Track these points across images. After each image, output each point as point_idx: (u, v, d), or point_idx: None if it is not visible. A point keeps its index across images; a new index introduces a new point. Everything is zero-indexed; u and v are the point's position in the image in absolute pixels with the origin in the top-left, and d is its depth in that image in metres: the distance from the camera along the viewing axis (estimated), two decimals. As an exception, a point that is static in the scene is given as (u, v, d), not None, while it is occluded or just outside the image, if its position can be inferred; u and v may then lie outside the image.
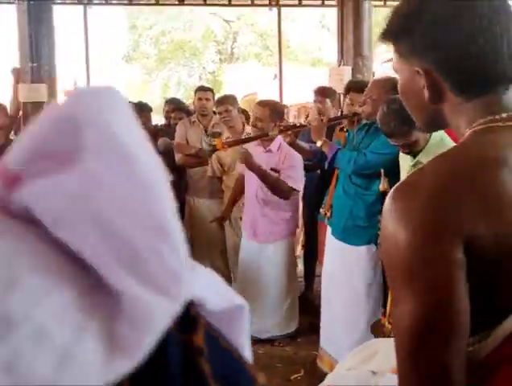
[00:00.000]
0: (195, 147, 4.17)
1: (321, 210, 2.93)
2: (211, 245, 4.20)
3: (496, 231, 0.68)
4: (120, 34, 18.90)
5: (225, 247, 4.12)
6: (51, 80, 4.38)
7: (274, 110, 3.28)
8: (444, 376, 0.67)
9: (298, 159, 3.23)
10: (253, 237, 3.45)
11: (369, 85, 2.68)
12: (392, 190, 0.73)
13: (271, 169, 3.27)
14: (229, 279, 4.29)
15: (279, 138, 3.28)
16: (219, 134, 4.20)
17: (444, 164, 0.74)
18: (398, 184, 0.74)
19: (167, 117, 4.91)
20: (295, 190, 3.28)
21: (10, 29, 4.64)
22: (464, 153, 0.76)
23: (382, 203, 0.76)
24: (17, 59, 4.31)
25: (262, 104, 3.39)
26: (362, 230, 2.67)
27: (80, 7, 6.75)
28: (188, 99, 8.49)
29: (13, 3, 4.46)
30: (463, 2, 0.75)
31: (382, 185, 2.47)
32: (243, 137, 3.18)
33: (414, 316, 0.68)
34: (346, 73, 5.40)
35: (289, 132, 2.83)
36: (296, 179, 3.25)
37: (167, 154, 4.30)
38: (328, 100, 4.06)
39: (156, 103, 11.56)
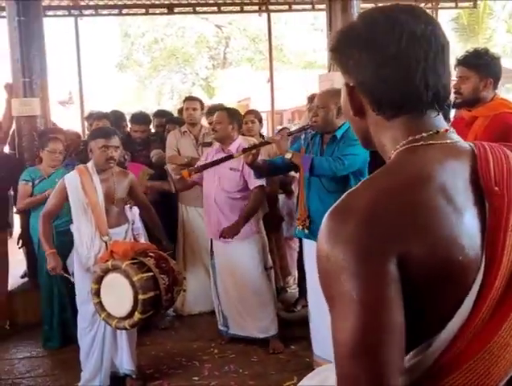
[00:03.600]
0: (187, 157, 4.22)
1: (297, 222, 3.01)
2: (202, 249, 4.25)
3: (427, 245, 0.72)
4: (113, 43, 18.93)
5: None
6: (44, 93, 4.41)
7: (230, 113, 3.59)
8: None
9: None
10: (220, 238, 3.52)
11: (316, 98, 2.80)
12: (328, 212, 0.76)
13: (231, 168, 3.45)
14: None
15: (237, 141, 3.56)
16: (210, 144, 4.25)
17: (374, 186, 0.77)
18: (333, 207, 0.76)
19: (158, 132, 4.90)
20: (262, 186, 3.44)
21: (2, 45, 4.69)
22: (391, 174, 0.79)
23: None
24: (9, 75, 4.34)
25: (220, 109, 3.74)
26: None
27: (71, 19, 6.82)
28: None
29: (4, 17, 4.51)
30: (383, 29, 0.80)
31: None
32: (208, 162, 3.32)
33: (351, 333, 0.70)
34: (336, 78, 5.39)
35: (253, 151, 2.91)
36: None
37: (160, 165, 4.37)
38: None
39: (150, 110, 11.60)
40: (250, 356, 3.50)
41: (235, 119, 3.59)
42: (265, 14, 7.19)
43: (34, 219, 3.84)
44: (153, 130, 4.99)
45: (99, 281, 2.83)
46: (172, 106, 15.78)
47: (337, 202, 0.77)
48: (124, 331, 3.04)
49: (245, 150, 2.97)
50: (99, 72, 17.08)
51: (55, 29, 10.59)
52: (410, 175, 0.77)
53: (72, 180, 3.08)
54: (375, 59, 0.81)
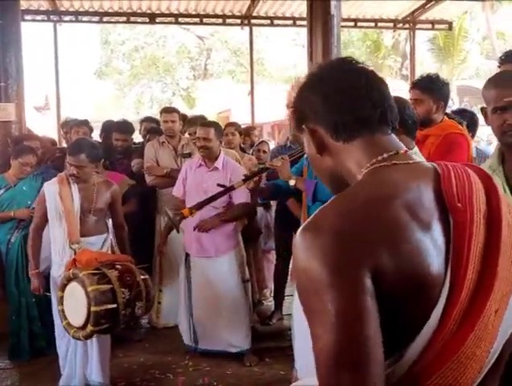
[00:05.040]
0: (166, 168, 4.18)
1: None
2: (179, 261, 4.20)
3: (396, 259, 0.75)
4: (92, 50, 18.80)
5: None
6: (20, 98, 4.34)
7: (217, 129, 3.57)
8: None
9: (242, 173, 3.35)
10: (201, 253, 3.53)
11: None
12: (301, 228, 0.79)
13: (218, 184, 3.31)
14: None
15: (221, 156, 3.56)
16: (189, 155, 4.23)
17: (344, 203, 0.81)
18: (306, 223, 0.79)
19: (145, 136, 4.89)
20: (247, 203, 3.47)
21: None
22: (359, 192, 0.83)
23: None
24: (-16, 79, 4.25)
25: (206, 125, 3.66)
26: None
27: (50, 24, 6.72)
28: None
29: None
30: (323, 70, 0.93)
31: None
32: (208, 198, 3.25)
33: (331, 346, 0.72)
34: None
35: (255, 178, 2.90)
36: (246, 193, 3.36)
37: (141, 174, 4.32)
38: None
39: (130, 119, 11.45)
40: (225, 369, 3.46)
41: (221, 134, 3.63)
42: (247, 28, 7.25)
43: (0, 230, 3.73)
44: (140, 136, 4.97)
45: (62, 288, 2.79)
46: (151, 115, 15.73)
47: (310, 218, 0.80)
48: (95, 342, 2.98)
49: (245, 179, 2.95)
50: (77, 79, 16.92)
51: (34, 33, 10.46)
52: (376, 193, 0.81)
53: (50, 188, 3.10)
54: (322, 92, 0.91)
